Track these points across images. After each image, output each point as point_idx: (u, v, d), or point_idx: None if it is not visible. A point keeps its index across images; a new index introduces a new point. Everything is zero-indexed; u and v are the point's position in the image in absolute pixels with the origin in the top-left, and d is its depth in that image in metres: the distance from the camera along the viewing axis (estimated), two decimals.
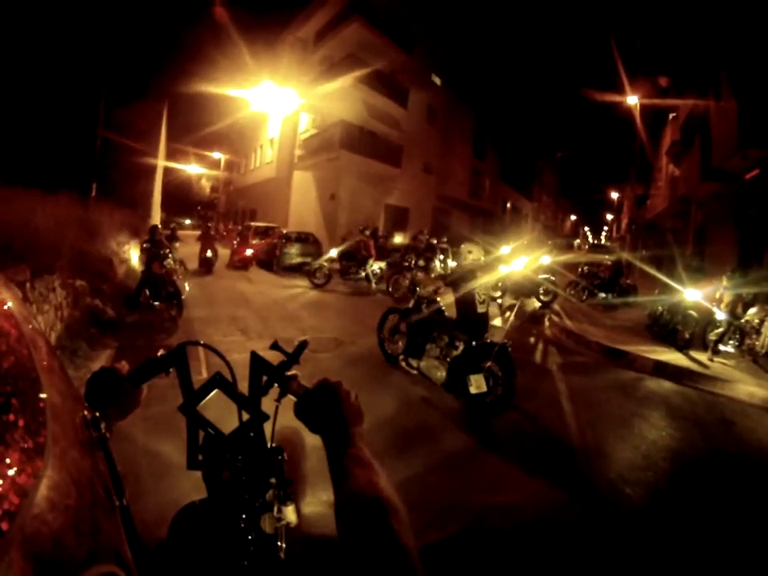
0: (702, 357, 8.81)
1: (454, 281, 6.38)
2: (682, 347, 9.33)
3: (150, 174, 21.13)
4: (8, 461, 0.44)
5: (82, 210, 12.62)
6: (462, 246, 6.75)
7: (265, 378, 1.34)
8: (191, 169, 48.60)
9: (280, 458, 1.35)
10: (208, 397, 1.34)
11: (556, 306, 13.49)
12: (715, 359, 8.67)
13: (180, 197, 50.53)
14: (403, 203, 32.23)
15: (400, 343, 7.27)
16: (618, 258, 16.88)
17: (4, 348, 0.51)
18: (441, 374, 6.19)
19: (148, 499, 3.15)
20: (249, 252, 20.26)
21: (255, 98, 29.58)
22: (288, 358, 1.38)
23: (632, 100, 27.16)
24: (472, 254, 6.57)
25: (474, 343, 5.92)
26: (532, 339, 10.55)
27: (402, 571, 0.77)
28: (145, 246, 11.23)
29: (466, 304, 6.17)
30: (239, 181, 44.94)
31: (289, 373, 1.33)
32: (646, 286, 15.72)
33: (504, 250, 17.75)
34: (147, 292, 10.12)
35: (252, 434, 1.33)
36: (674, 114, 28.20)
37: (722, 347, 8.85)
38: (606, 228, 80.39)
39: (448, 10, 32.27)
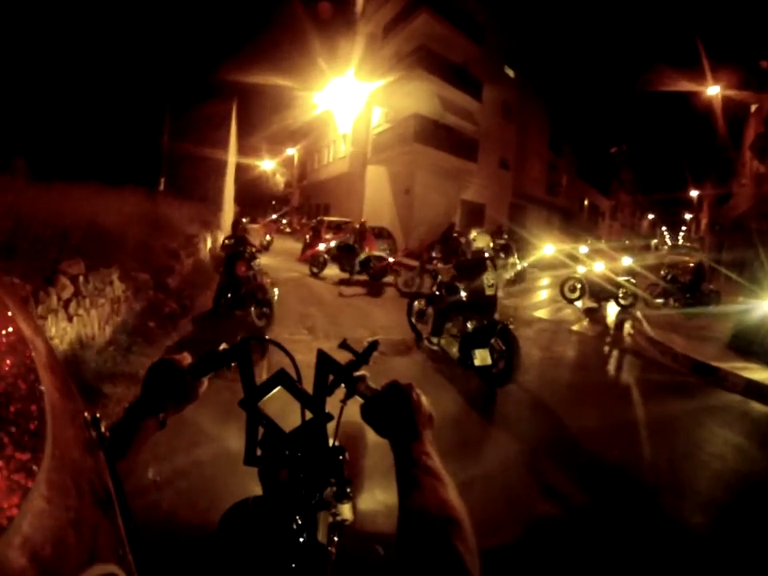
0: None
1: (462, 267, 7.46)
2: None
3: (220, 169, 21.12)
4: (8, 461, 0.42)
5: (149, 204, 12.46)
6: (473, 233, 7.68)
7: (331, 377, 1.30)
8: (265, 164, 49.25)
9: (341, 457, 1.35)
10: (270, 393, 1.31)
11: (638, 313, 12.48)
12: None
13: (255, 192, 51.22)
14: (479, 199, 31.44)
15: (427, 324, 8.15)
16: (700, 261, 15.88)
17: (3, 348, 0.50)
18: (455, 350, 7.05)
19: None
20: (321, 246, 19.83)
21: (326, 93, 29.51)
22: (357, 357, 1.33)
23: (713, 90, 25.74)
24: (476, 242, 7.45)
25: (484, 322, 6.67)
26: (614, 348, 9.78)
27: None
28: (226, 242, 10.14)
29: (475, 288, 6.99)
30: (312, 176, 45.11)
31: (357, 373, 1.29)
32: (729, 290, 14.79)
33: (582, 249, 17.14)
34: (229, 296, 8.91)
35: (315, 435, 1.30)
36: (757, 105, 26.62)
37: None
38: (683, 228, 77.58)
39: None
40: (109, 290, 6.96)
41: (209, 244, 16.03)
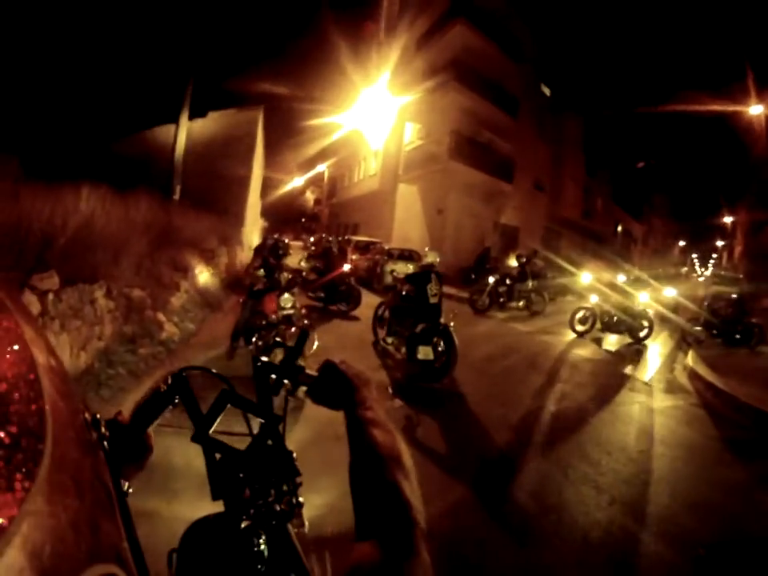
0: None
1: (412, 278, 8.41)
2: None
3: (243, 181, 20.26)
4: (8, 461, 0.43)
5: (161, 212, 11.43)
6: (425, 250, 9.31)
7: (273, 377, 1.31)
8: (295, 181, 49.05)
9: (293, 460, 1.30)
10: (219, 418, 1.27)
11: (690, 353, 10.91)
12: None
13: (284, 208, 51.03)
14: (513, 222, 30.30)
15: (383, 327, 9.18)
16: (740, 292, 14.52)
17: (4, 348, 0.51)
18: (405, 348, 7.86)
19: None
20: (346, 268, 18.67)
21: (357, 108, 28.74)
22: (291, 351, 1.36)
23: (756, 110, 24.49)
24: (426, 257, 8.53)
25: (429, 325, 7.62)
26: (672, 397, 8.28)
27: (401, 523, 0.80)
28: (255, 270, 7.62)
29: (421, 296, 7.87)
30: (342, 193, 44.34)
31: (296, 363, 1.32)
32: None
33: (620, 278, 15.92)
34: (255, 339, 6.77)
35: (270, 441, 1.28)
36: None
37: None
38: (714, 255, 75.41)
39: (553, 16, 30.35)
40: (89, 310, 5.91)
41: (227, 260, 15.03)
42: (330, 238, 16.56)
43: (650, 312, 12.50)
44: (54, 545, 0.42)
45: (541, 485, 4.58)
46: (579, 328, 12.74)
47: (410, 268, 15.77)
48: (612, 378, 8.99)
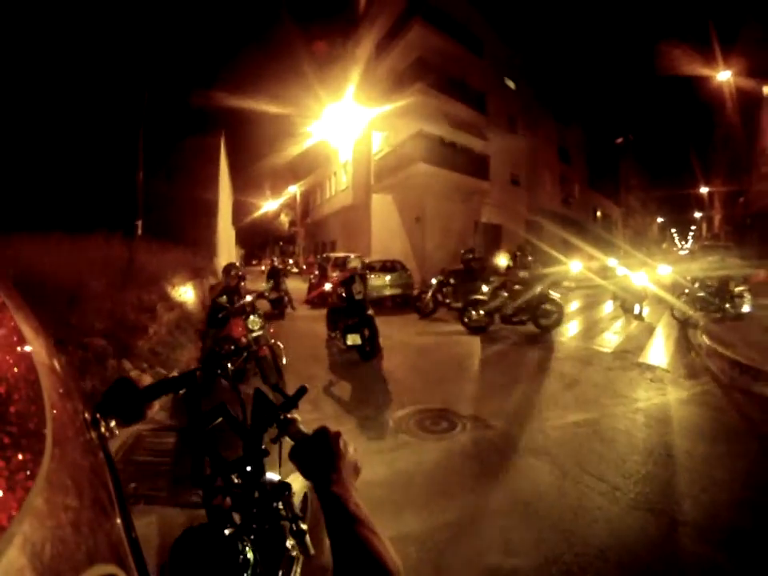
0: None
1: (343, 282, 9.71)
2: None
3: (210, 209, 19.60)
4: (8, 461, 0.44)
5: (122, 252, 10.74)
6: (351, 256, 10.68)
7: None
8: (268, 205, 48.94)
9: (287, 493, 1.39)
10: (212, 424, 1.36)
11: (698, 332, 10.35)
12: None
13: (260, 234, 50.81)
14: (495, 220, 29.82)
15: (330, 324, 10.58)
16: (722, 259, 14.14)
17: (4, 349, 0.51)
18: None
19: None
20: (328, 286, 17.99)
21: (322, 122, 28.29)
22: (286, 400, 1.41)
23: (724, 75, 24.35)
24: (351, 263, 9.93)
25: (357, 318, 9.13)
26: (697, 382, 7.53)
27: None
28: (217, 299, 7.57)
29: (349, 295, 9.43)
30: (316, 212, 44.05)
31: (290, 415, 1.35)
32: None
33: (611, 262, 15.41)
34: (230, 366, 6.15)
35: (250, 468, 1.35)
36: None
37: None
38: (693, 227, 75.70)
39: (509, 7, 30.13)
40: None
41: (200, 292, 14.31)
42: (274, 258, 16.69)
43: (556, 296, 11.61)
44: (54, 545, 0.42)
45: (589, 518, 3.83)
46: (472, 323, 11.79)
47: (387, 279, 17.39)
48: (627, 370, 8.28)
